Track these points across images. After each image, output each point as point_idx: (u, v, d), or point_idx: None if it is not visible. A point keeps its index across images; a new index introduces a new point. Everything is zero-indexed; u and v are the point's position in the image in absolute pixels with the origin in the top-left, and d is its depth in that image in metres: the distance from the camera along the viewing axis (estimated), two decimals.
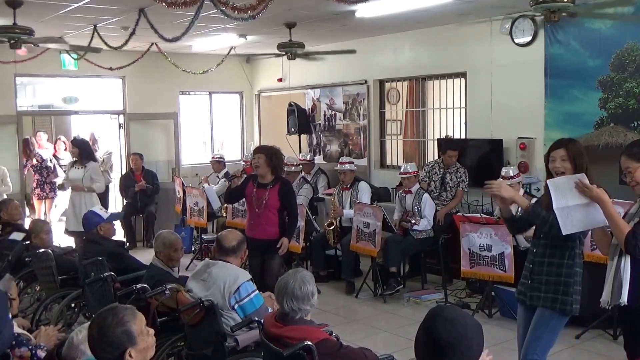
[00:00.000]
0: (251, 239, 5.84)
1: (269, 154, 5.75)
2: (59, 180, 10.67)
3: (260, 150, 5.87)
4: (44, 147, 11.32)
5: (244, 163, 9.32)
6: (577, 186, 3.41)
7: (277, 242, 5.73)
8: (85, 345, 2.78)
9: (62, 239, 8.21)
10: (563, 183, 3.47)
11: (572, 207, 3.43)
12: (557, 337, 3.75)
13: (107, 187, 10.18)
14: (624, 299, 3.30)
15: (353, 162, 8.04)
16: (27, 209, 10.43)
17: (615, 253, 3.39)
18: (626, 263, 3.32)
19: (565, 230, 3.47)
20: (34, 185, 10.46)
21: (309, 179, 9.01)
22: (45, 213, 10.58)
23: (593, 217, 3.42)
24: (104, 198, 9.81)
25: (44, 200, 10.57)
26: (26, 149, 10.35)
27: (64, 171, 8.40)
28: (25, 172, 10.30)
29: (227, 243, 4.25)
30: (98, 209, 6.03)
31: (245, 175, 6.06)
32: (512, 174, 6.42)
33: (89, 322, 3.00)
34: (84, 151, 8.15)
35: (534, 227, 3.86)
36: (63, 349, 2.82)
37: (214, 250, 4.39)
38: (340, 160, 8.15)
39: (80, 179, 7.99)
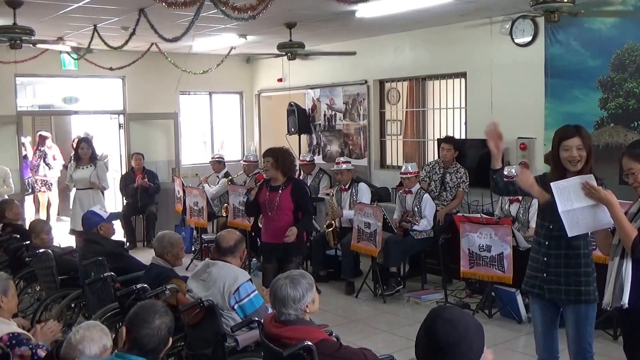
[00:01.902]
0: (267, 244, 5.85)
1: (276, 156, 5.73)
2: (52, 180, 10.84)
3: (267, 153, 5.83)
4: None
5: (244, 163, 9.33)
6: (583, 188, 3.38)
7: (294, 245, 5.68)
8: (83, 345, 2.78)
9: (62, 239, 8.22)
10: (567, 186, 3.44)
11: (577, 210, 3.40)
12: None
13: None
14: (625, 301, 3.29)
15: (350, 162, 8.04)
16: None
17: (616, 254, 3.37)
18: (627, 265, 3.30)
19: (571, 233, 3.46)
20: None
21: (311, 180, 9.01)
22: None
23: (599, 218, 3.40)
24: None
25: (38, 194, 10.88)
26: (40, 144, 10.81)
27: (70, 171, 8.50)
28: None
29: (224, 243, 4.26)
30: (98, 208, 6.04)
31: (259, 184, 6.01)
32: (515, 173, 6.42)
33: (87, 322, 3.00)
34: (93, 150, 8.44)
35: (533, 226, 3.88)
36: (61, 349, 2.82)
37: (214, 250, 4.40)
38: (336, 160, 8.15)
39: (88, 178, 8.18)
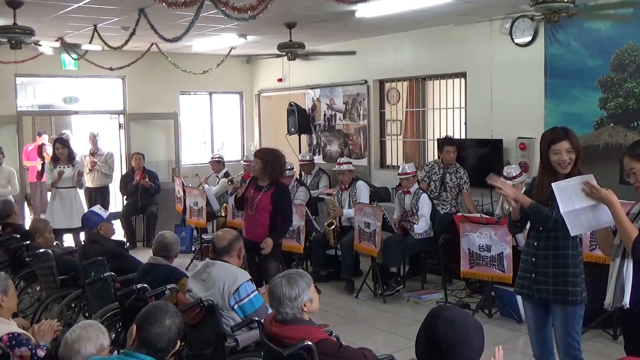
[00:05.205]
0: (246, 240, 5.84)
1: (265, 161, 5.77)
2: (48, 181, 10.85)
3: (257, 155, 5.90)
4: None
5: (244, 163, 9.32)
6: (584, 188, 3.37)
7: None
8: (79, 344, 2.77)
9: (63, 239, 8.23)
10: (568, 186, 3.42)
11: (579, 210, 3.39)
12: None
13: (107, 188, 10.20)
14: (626, 301, 3.29)
15: (351, 162, 8.04)
16: (27, 209, 10.43)
17: (617, 254, 3.36)
18: (629, 265, 3.29)
19: (573, 232, 3.46)
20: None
21: (310, 180, 9.01)
22: None
23: (600, 218, 3.39)
24: (104, 198, 9.82)
25: None
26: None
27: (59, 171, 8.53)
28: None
29: (219, 244, 4.27)
30: (98, 208, 6.04)
31: (244, 183, 6.10)
32: (514, 174, 6.43)
33: (84, 321, 3.00)
34: (70, 151, 8.55)
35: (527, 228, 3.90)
36: (59, 349, 2.82)
37: (211, 250, 4.41)
38: (338, 160, 8.16)
39: (72, 177, 8.34)
